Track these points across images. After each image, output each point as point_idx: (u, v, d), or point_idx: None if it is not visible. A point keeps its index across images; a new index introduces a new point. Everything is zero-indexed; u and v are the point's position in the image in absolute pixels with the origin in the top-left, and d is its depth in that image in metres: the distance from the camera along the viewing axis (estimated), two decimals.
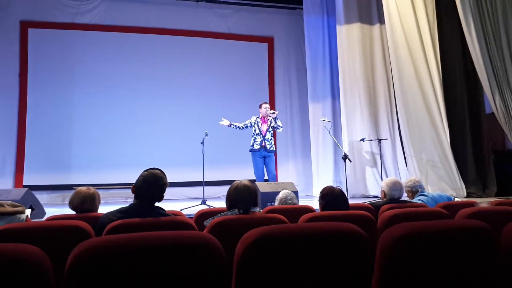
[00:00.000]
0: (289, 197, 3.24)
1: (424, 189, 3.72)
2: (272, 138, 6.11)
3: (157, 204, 2.26)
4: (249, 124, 6.15)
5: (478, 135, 6.55)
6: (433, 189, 6.15)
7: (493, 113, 5.94)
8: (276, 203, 3.29)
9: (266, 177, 6.17)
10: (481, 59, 5.65)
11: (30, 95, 7.41)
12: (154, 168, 2.29)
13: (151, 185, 2.18)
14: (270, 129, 6.05)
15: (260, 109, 6.19)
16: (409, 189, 3.66)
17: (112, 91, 7.75)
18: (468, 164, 6.42)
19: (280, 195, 3.28)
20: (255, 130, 6.08)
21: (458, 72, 6.62)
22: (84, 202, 2.62)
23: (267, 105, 6.17)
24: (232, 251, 1.28)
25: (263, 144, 5.99)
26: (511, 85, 5.64)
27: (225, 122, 6.16)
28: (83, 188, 2.70)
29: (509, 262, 1.36)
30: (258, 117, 6.17)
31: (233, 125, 6.18)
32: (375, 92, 7.29)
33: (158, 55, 8.07)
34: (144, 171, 2.27)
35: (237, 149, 7.84)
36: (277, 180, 6.38)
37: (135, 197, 2.20)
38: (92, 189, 2.71)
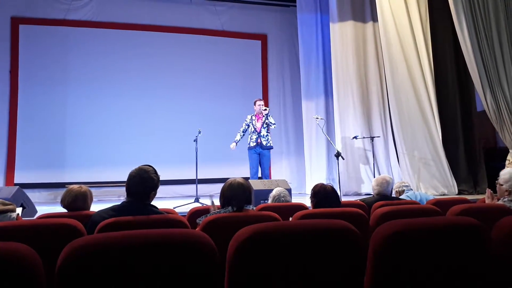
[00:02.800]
0: (282, 195, 3.25)
1: (411, 189, 3.94)
2: (268, 134, 6.13)
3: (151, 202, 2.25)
4: (246, 126, 6.20)
5: (469, 132, 6.61)
6: (425, 186, 6.21)
7: (484, 111, 5.99)
8: (269, 200, 3.30)
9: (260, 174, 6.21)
10: (473, 57, 5.69)
11: (21, 92, 7.34)
12: (145, 165, 2.27)
13: (142, 181, 2.17)
14: (265, 125, 6.08)
15: (254, 106, 6.24)
16: (396, 189, 3.88)
17: (104, 89, 7.69)
18: (460, 162, 6.48)
19: (274, 192, 3.29)
20: (250, 128, 6.14)
21: (450, 70, 6.67)
22: (76, 200, 2.60)
23: (261, 102, 6.21)
24: (225, 249, 1.28)
25: (259, 141, 6.04)
26: (502, 83, 5.69)
27: (233, 145, 6.15)
28: (75, 186, 2.68)
29: (500, 258, 1.37)
30: (253, 114, 6.22)
31: (238, 140, 6.17)
32: (368, 90, 7.32)
33: (151, 52, 8.02)
34: (135, 168, 2.25)
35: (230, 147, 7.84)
36: (270, 178, 6.41)
37: (127, 195, 2.19)
38: (84, 187, 2.69)
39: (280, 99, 8.81)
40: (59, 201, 2.70)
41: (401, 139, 6.45)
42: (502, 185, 2.77)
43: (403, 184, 3.95)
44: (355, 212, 2.34)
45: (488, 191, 3.02)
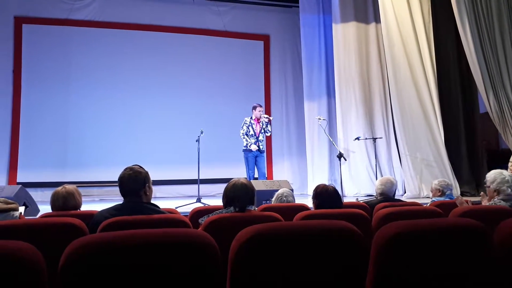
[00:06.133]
0: (285, 195, 3.28)
1: (451, 188, 3.80)
2: (264, 139, 6.35)
3: (152, 201, 2.26)
4: (247, 128, 6.28)
5: (472, 134, 6.59)
6: (427, 188, 6.19)
7: (487, 113, 5.97)
8: (273, 198, 3.34)
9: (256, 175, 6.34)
10: (476, 58, 5.68)
11: (24, 91, 7.35)
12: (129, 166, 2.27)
13: (131, 179, 2.17)
14: (262, 130, 6.28)
15: (254, 110, 6.37)
16: (439, 188, 3.76)
17: (107, 88, 7.70)
18: (462, 163, 6.46)
19: (279, 191, 3.34)
20: (249, 131, 6.26)
21: (453, 72, 6.65)
22: (67, 200, 2.55)
23: (261, 109, 6.41)
24: (227, 249, 1.28)
25: (257, 145, 6.21)
26: (505, 85, 5.67)
27: (254, 147, 6.20)
28: (59, 189, 2.61)
29: (503, 260, 1.37)
30: (251, 118, 6.33)
31: (251, 142, 6.25)
32: (371, 91, 7.31)
33: (153, 52, 8.03)
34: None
35: (232, 147, 7.84)
36: (266, 179, 6.54)
37: (124, 197, 2.19)
38: (67, 186, 2.64)
39: (282, 99, 8.81)
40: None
41: (404, 140, 6.43)
42: (489, 186, 2.87)
43: (445, 183, 3.77)
44: (357, 213, 2.34)
45: (482, 194, 3.16)
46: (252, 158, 6.22)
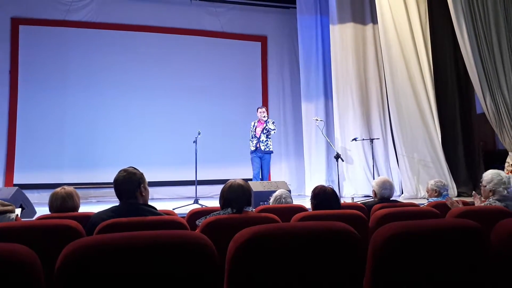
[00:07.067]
0: (284, 196, 3.28)
1: (448, 194, 3.79)
2: (268, 140, 6.36)
3: (149, 202, 2.25)
4: (250, 132, 6.47)
5: (469, 135, 6.61)
6: (424, 188, 6.20)
7: (483, 113, 5.99)
8: (271, 199, 3.33)
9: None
10: (472, 59, 5.69)
11: (20, 93, 7.34)
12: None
13: (126, 180, 2.17)
14: (265, 131, 6.32)
15: (257, 112, 6.51)
16: (435, 188, 3.76)
17: (104, 89, 7.69)
18: (459, 164, 6.48)
19: (277, 192, 3.33)
20: (252, 133, 6.41)
21: (450, 73, 6.68)
22: (65, 201, 2.55)
23: (262, 110, 6.49)
24: (224, 251, 1.28)
25: (258, 145, 6.31)
26: (502, 86, 5.69)
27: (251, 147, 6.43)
28: (58, 189, 2.60)
29: (499, 260, 1.37)
30: (256, 120, 6.47)
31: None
32: (368, 92, 7.33)
33: (151, 53, 8.02)
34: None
35: (230, 148, 7.85)
36: (269, 180, 6.57)
37: (119, 198, 2.19)
38: (67, 187, 2.64)
39: (280, 100, 8.82)
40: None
41: (401, 141, 6.45)
42: (485, 186, 2.88)
43: (441, 183, 3.76)
44: (354, 214, 2.33)
45: (474, 193, 3.20)
46: (256, 159, 6.33)
